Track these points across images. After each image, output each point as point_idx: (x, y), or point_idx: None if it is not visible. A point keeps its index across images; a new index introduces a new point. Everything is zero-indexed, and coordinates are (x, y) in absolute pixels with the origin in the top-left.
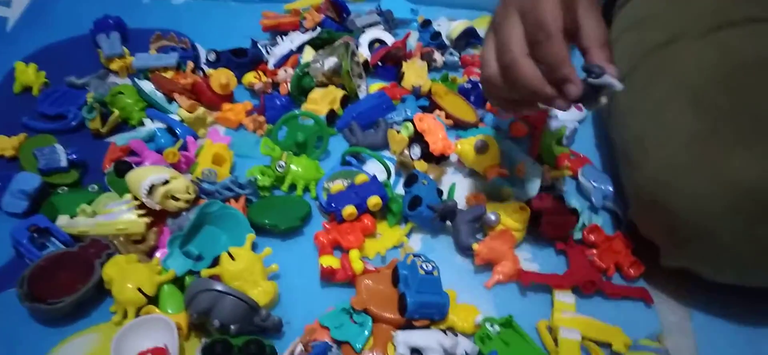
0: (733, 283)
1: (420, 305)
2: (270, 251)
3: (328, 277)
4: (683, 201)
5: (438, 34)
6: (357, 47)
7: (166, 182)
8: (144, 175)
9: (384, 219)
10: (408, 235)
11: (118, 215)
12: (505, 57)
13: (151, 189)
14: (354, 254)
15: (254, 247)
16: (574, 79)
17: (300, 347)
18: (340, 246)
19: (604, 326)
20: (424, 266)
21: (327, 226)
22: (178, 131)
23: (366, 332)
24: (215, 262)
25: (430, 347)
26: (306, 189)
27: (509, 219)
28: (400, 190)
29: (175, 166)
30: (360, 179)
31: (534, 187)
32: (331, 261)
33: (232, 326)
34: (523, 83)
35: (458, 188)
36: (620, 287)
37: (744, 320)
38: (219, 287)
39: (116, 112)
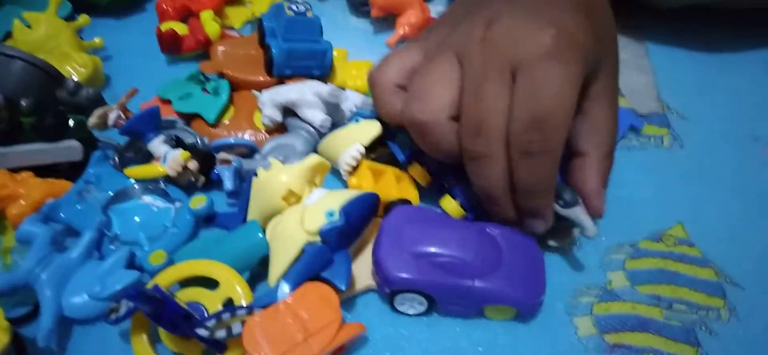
0: (679, 5)
1: (290, 54)
2: (87, 19)
3: (170, 46)
4: None
5: None
6: None
7: None
8: None
9: None
10: None
11: None
12: (475, 142)
13: None
14: (206, 15)
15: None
16: (547, 215)
17: (116, 114)
18: (192, 13)
19: None
20: (294, 7)
21: None
22: None
23: (222, 100)
24: (7, 35)
25: (304, 99)
26: None
27: None
28: None
29: None
30: None
31: None
32: (174, 26)
33: (24, 102)
34: (481, 183)
35: None
36: None
37: (705, 49)
38: (0, 48)
39: None
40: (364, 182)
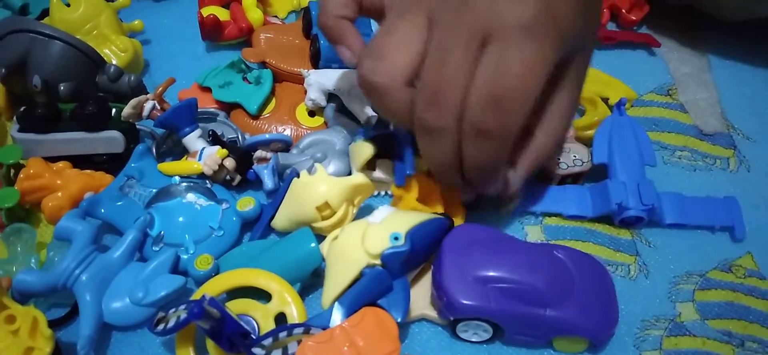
0: (744, 18)
1: None
2: (128, 0)
3: (211, 32)
4: None
5: None
6: None
7: None
8: None
9: None
10: None
11: None
12: (429, 112)
13: None
14: (249, 1)
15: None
16: (492, 188)
17: (151, 104)
18: None
19: (599, 76)
20: None
21: None
22: None
23: (264, 91)
24: (44, 13)
25: (353, 90)
26: None
27: None
28: None
29: None
30: None
31: None
32: (216, 11)
33: (62, 87)
34: (429, 155)
35: None
36: (618, 32)
37: None
38: (40, 28)
39: None
40: (409, 192)
